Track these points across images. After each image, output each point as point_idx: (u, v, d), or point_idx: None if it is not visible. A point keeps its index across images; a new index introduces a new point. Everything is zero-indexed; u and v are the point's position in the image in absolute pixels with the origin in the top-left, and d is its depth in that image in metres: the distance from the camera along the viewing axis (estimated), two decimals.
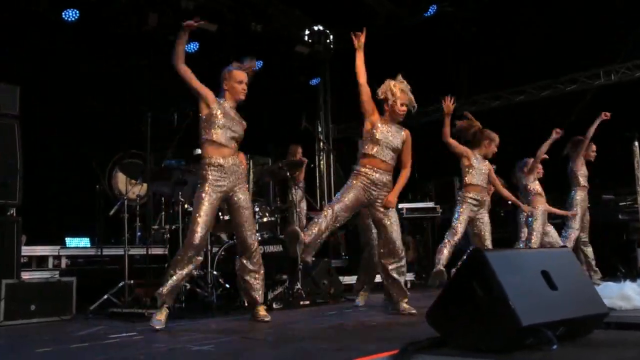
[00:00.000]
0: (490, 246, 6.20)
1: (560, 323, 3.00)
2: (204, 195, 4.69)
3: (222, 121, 4.79)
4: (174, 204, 6.32)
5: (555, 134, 7.37)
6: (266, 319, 4.91)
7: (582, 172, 7.82)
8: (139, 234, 7.51)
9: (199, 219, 4.64)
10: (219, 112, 4.80)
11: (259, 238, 6.30)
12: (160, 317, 4.57)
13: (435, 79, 10.94)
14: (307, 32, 10.97)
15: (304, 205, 8.25)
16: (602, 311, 3.35)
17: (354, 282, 6.63)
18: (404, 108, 5.23)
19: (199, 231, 4.63)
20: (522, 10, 10.02)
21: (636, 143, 7.90)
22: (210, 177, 4.73)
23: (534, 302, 2.96)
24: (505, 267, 3.02)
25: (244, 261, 5.00)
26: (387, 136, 5.19)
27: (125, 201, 6.43)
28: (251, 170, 6.80)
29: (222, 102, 4.88)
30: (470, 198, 6.21)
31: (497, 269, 2.96)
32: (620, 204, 8.94)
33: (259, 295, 5.03)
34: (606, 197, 9.06)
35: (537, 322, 2.87)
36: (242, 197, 4.91)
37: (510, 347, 2.89)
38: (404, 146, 5.29)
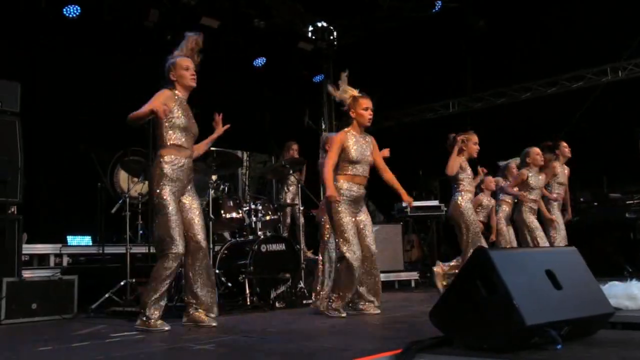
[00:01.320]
0: None
1: (564, 323, 2.97)
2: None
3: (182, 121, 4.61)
4: None
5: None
6: (213, 324, 4.65)
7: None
8: (141, 232, 7.47)
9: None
10: (179, 109, 4.61)
11: (262, 236, 6.29)
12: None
13: (440, 75, 10.92)
14: (310, 28, 10.91)
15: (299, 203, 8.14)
16: (607, 311, 3.31)
17: None
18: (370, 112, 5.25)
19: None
20: (527, 7, 9.94)
21: None
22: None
23: (538, 302, 2.94)
24: (510, 267, 3.00)
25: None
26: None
27: (127, 199, 6.39)
28: (248, 167, 6.75)
29: (177, 94, 4.66)
30: None
31: (501, 268, 2.94)
32: (628, 202, 8.87)
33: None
34: (613, 195, 9.00)
35: (541, 321, 2.84)
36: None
37: (514, 347, 2.86)
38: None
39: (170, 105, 4.53)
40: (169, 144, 4.58)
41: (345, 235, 5.00)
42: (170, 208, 4.50)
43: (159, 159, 4.58)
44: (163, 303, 4.55)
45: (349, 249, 4.97)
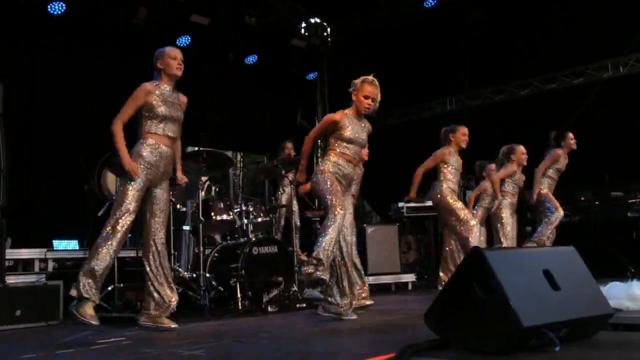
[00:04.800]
0: None
1: (563, 324, 2.94)
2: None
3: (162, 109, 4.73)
4: None
5: None
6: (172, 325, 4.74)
7: None
8: (129, 235, 7.34)
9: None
10: (158, 100, 4.73)
11: (254, 239, 6.18)
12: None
13: (438, 72, 10.84)
14: (303, 24, 10.80)
15: (295, 204, 8.05)
16: (606, 312, 3.28)
17: None
18: (369, 101, 5.11)
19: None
20: (526, 3, 9.85)
21: None
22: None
23: (535, 303, 2.92)
24: (506, 267, 2.98)
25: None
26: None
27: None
28: (242, 168, 6.65)
29: (159, 85, 4.80)
30: None
31: (497, 268, 2.92)
32: (630, 201, 8.76)
33: None
34: (615, 194, 8.89)
35: (539, 323, 2.82)
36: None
37: (511, 349, 2.85)
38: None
39: (149, 99, 4.69)
40: (150, 131, 4.73)
41: (334, 200, 4.84)
42: (137, 182, 4.60)
43: (138, 142, 4.74)
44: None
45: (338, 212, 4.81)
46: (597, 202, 8.96)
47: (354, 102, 5.12)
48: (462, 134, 6.61)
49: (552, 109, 9.96)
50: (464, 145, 6.61)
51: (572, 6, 9.50)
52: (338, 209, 4.77)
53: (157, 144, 4.71)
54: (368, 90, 5.05)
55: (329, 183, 4.89)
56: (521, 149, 7.43)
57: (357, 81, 5.11)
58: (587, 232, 8.39)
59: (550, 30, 9.91)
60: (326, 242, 4.67)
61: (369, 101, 5.06)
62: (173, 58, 4.80)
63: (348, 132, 5.04)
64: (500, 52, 10.27)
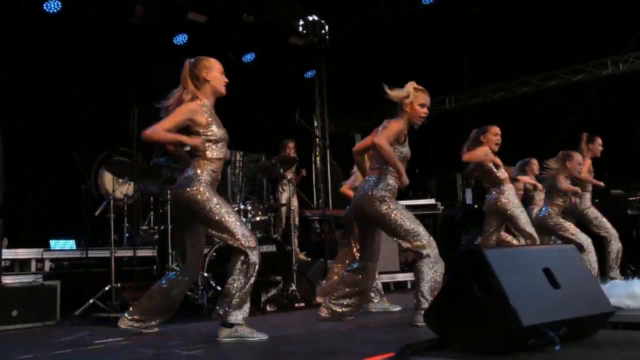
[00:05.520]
0: None
1: (563, 323, 2.93)
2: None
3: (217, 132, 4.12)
4: (163, 204, 6.12)
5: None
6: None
7: None
8: (127, 235, 7.33)
9: None
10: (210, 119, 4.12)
11: None
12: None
13: (437, 70, 10.82)
14: (301, 22, 10.77)
15: (295, 202, 8.03)
16: (607, 310, 3.26)
17: None
18: (425, 110, 4.62)
19: None
20: (526, 0, 9.83)
21: None
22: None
23: (535, 302, 2.90)
24: (505, 266, 2.97)
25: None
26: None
27: (112, 201, 6.25)
28: (242, 167, 6.62)
29: (205, 103, 4.14)
30: None
31: (496, 267, 2.91)
32: (630, 199, 8.73)
33: None
34: (615, 192, 8.86)
35: (538, 322, 2.81)
36: None
37: (511, 348, 2.84)
38: None
39: (202, 119, 4.06)
40: (209, 156, 4.11)
41: (414, 228, 4.45)
42: (224, 206, 4.10)
43: (197, 169, 4.12)
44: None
45: (428, 244, 4.43)
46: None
47: (406, 113, 4.56)
48: (494, 133, 5.99)
49: (552, 107, 9.95)
50: (495, 148, 5.99)
51: (572, 5, 9.48)
52: (427, 238, 4.41)
53: (215, 172, 4.14)
54: (424, 98, 4.58)
55: (399, 208, 4.50)
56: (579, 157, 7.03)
57: (409, 90, 4.57)
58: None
59: (550, 29, 9.89)
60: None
61: (425, 110, 4.56)
62: (221, 72, 4.21)
63: (405, 150, 4.58)
64: (499, 50, 10.25)
